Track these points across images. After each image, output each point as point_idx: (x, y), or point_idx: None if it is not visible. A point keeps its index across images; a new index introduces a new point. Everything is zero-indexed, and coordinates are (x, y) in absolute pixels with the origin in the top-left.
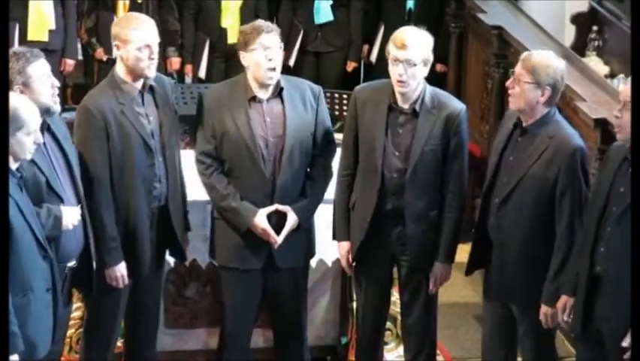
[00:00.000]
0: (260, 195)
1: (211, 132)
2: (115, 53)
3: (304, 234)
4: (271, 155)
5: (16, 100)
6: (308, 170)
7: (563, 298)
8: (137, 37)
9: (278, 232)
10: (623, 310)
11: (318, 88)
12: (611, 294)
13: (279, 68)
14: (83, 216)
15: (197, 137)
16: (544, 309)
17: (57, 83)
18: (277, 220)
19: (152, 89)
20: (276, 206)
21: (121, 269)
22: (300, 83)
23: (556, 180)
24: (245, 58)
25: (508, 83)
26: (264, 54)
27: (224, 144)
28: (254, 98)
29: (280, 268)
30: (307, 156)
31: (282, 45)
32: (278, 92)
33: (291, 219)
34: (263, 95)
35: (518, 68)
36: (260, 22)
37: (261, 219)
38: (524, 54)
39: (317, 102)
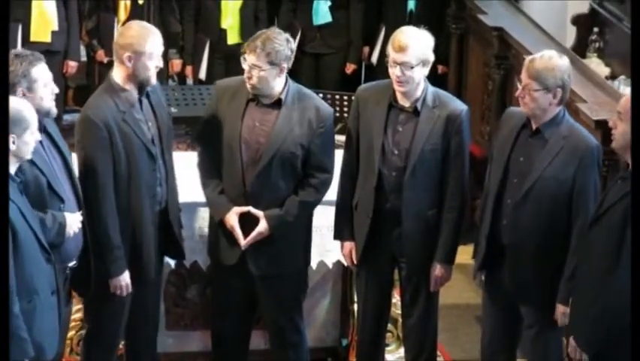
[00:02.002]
0: (236, 194)
1: (212, 120)
2: (126, 63)
3: (287, 243)
4: (250, 158)
5: (17, 102)
6: (296, 186)
7: None
8: (151, 48)
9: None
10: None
11: (326, 111)
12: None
13: (260, 84)
14: (82, 218)
15: (202, 124)
16: (560, 309)
17: (56, 90)
18: (252, 224)
19: (147, 94)
20: (250, 208)
21: (125, 278)
22: (311, 101)
23: (574, 180)
24: None
25: (517, 94)
26: (245, 67)
27: (218, 135)
28: (253, 100)
29: (255, 273)
30: (291, 171)
31: (266, 67)
32: (278, 101)
33: (261, 226)
34: (264, 99)
35: (524, 77)
36: (257, 37)
37: (231, 216)
38: (527, 61)
39: (318, 124)
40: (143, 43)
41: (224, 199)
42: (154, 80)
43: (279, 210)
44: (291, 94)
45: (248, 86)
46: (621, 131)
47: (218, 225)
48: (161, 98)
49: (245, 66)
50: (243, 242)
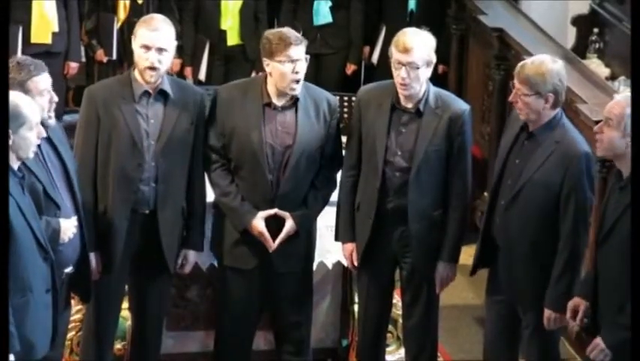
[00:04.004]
0: (261, 199)
1: (221, 129)
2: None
3: (304, 239)
4: (277, 163)
5: (14, 97)
6: (313, 179)
7: (576, 300)
8: (141, 35)
9: (275, 237)
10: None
11: (335, 102)
12: (604, 318)
13: (302, 80)
14: (80, 223)
15: (208, 131)
16: (547, 313)
17: (56, 99)
18: (276, 225)
19: (164, 94)
20: (276, 210)
21: (91, 258)
22: (319, 93)
23: (562, 185)
24: (269, 66)
25: (510, 98)
26: (292, 67)
27: (232, 143)
28: (269, 105)
29: (277, 272)
30: (314, 167)
31: (307, 57)
32: (293, 102)
33: (289, 226)
34: (278, 102)
35: (516, 82)
36: (288, 33)
37: (258, 222)
38: (517, 67)
39: (331, 116)
40: (138, 26)
41: (247, 206)
42: (151, 78)
43: (305, 207)
44: (302, 92)
45: (292, 85)
46: (609, 137)
47: (241, 233)
48: (193, 106)
49: (287, 65)
50: (274, 246)
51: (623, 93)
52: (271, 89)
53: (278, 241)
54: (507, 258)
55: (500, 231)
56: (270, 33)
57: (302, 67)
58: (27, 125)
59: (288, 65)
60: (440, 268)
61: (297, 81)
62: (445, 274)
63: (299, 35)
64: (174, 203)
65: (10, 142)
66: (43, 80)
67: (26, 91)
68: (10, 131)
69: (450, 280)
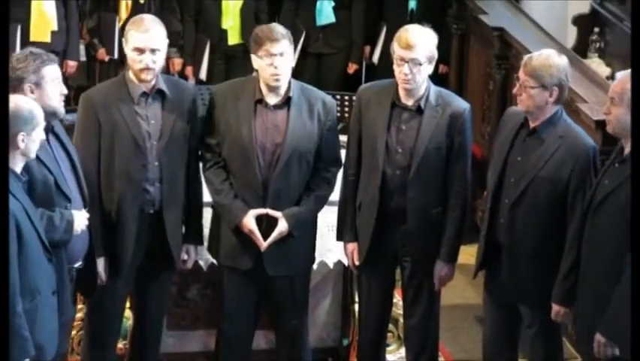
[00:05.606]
0: (253, 197)
1: (215, 127)
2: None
3: (299, 243)
4: (267, 160)
5: (27, 101)
6: (308, 181)
7: None
8: (132, 38)
9: (268, 237)
10: (591, 305)
11: (331, 102)
12: (586, 288)
13: (285, 75)
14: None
15: (204, 130)
16: (555, 308)
17: (65, 91)
18: (269, 225)
19: (161, 93)
20: (267, 210)
21: (99, 263)
22: (314, 93)
23: (569, 180)
24: (254, 61)
25: (515, 91)
26: (269, 61)
27: (225, 141)
28: (260, 102)
29: (269, 275)
30: (307, 167)
31: (290, 51)
32: (286, 100)
33: (281, 226)
34: (271, 100)
35: (521, 74)
36: (271, 28)
37: (249, 219)
38: (525, 58)
39: (327, 116)
40: (129, 29)
41: (239, 204)
42: (146, 76)
43: (297, 208)
44: (296, 91)
45: (272, 78)
46: (616, 115)
47: (233, 231)
48: (187, 102)
49: (266, 60)
50: (265, 244)
51: (623, 71)
52: (262, 86)
53: (269, 240)
54: (512, 257)
55: (505, 230)
56: (257, 28)
57: (281, 62)
58: (39, 128)
59: (266, 60)
60: (438, 267)
61: (277, 75)
62: (443, 273)
63: (285, 32)
64: (178, 201)
65: (23, 145)
66: (55, 69)
67: (40, 78)
68: (25, 133)
69: (448, 279)
